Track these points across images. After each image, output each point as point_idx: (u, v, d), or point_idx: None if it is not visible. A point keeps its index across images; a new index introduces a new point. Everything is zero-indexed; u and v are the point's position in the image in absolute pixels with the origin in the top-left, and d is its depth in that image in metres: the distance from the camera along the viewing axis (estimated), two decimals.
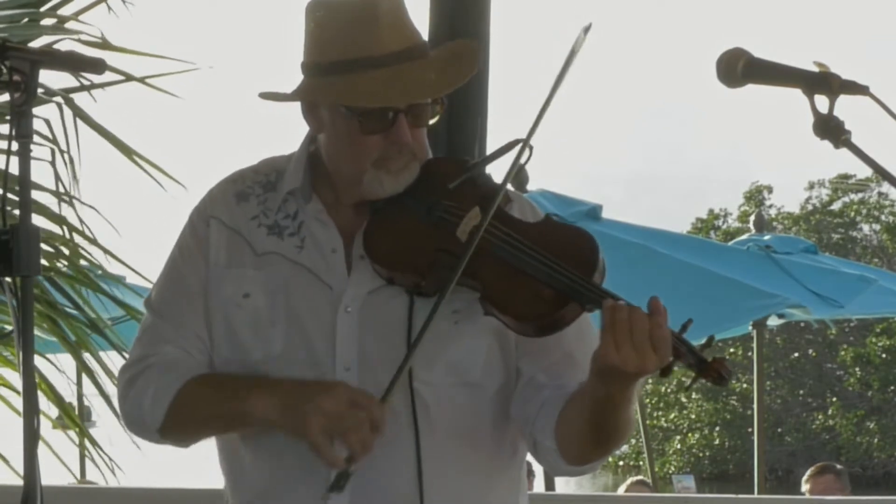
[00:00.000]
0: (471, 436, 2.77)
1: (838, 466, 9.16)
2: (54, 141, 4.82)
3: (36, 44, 4.82)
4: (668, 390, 34.88)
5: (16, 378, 5.01)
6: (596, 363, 2.60)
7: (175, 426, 2.79)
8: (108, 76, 4.83)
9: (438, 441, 2.73)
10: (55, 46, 4.94)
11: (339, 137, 2.76)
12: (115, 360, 4.80)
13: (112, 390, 4.84)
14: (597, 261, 2.68)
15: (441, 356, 2.73)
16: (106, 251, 4.86)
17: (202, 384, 2.77)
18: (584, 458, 2.75)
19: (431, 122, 2.78)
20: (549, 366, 2.76)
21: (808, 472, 8.95)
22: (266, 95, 2.76)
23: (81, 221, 4.85)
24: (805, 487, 8.83)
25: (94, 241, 4.86)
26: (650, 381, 34.79)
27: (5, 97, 3.51)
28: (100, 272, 4.98)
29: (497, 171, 2.83)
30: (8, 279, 2.53)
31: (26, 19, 5.00)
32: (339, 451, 2.62)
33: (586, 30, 2.71)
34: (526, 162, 2.71)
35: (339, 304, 2.74)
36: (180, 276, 2.84)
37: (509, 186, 2.78)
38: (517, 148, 2.71)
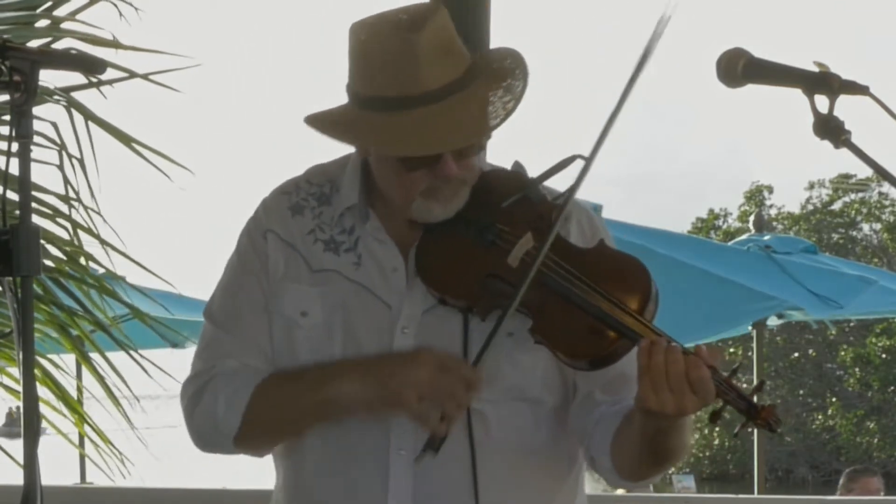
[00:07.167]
0: (529, 451, 2.74)
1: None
2: (62, 144, 4.81)
3: (36, 43, 4.81)
4: None
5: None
6: (637, 404, 2.55)
7: (252, 431, 2.74)
8: (111, 73, 4.81)
9: (496, 457, 2.69)
10: (56, 44, 4.94)
11: (384, 170, 2.69)
12: (121, 360, 4.84)
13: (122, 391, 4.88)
14: (649, 294, 2.60)
15: (499, 374, 2.68)
16: (112, 248, 4.84)
17: (277, 381, 2.72)
18: (640, 475, 2.73)
19: (488, 142, 2.69)
20: (605, 384, 2.71)
21: (848, 475, 9.01)
22: (310, 122, 2.66)
23: (90, 222, 4.83)
24: (844, 488, 8.85)
25: (105, 243, 4.84)
26: None
27: (5, 97, 3.50)
28: (103, 272, 4.97)
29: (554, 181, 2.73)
30: (8, 279, 2.53)
31: (25, 21, 4.99)
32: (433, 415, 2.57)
33: (665, 21, 2.59)
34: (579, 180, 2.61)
35: (396, 323, 2.70)
36: (242, 288, 2.79)
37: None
38: (574, 164, 2.62)
